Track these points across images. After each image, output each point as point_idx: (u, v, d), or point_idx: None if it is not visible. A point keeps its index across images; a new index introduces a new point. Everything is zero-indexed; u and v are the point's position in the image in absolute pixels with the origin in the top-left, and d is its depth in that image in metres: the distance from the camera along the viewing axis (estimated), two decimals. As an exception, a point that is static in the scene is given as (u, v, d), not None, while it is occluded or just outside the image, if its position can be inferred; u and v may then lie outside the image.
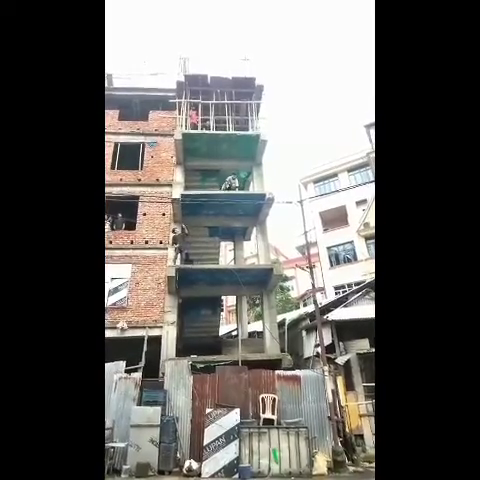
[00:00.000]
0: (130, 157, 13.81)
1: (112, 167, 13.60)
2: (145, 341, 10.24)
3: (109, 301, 11.45)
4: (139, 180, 13.52)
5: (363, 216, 22.16)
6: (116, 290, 11.68)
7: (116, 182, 13.07)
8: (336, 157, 25.73)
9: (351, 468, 8.22)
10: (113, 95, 14.59)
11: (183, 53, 17.81)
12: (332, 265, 23.15)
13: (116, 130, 14.26)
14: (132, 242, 12.47)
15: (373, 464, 8.41)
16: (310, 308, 13.59)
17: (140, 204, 13.08)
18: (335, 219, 23.77)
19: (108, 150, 13.54)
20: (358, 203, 23.18)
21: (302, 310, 16.94)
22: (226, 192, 12.71)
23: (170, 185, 13.35)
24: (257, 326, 16.31)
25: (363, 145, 22.91)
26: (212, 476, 7.54)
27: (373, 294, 11.90)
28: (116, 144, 14.12)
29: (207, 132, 13.27)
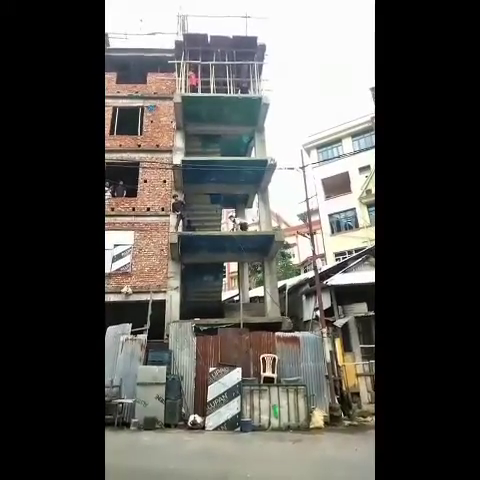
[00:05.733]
0: (129, 122, 13.52)
1: (111, 132, 13.36)
2: (150, 305, 10.52)
3: (113, 267, 11.66)
4: (139, 146, 13.32)
5: (365, 183, 21.93)
6: (120, 256, 11.85)
7: (116, 148, 12.88)
8: (340, 121, 25.07)
9: (347, 422, 8.70)
10: (110, 56, 14.01)
11: (181, 10, 17.00)
12: (333, 232, 23.21)
13: (114, 94, 13.86)
14: (134, 209, 12.49)
15: (367, 418, 8.91)
16: (310, 274, 13.79)
17: (141, 171, 12.97)
18: (337, 186, 23.51)
19: (106, 115, 13.22)
20: (361, 169, 22.82)
21: (302, 276, 17.20)
22: (228, 158, 12.53)
23: (170, 151, 13.16)
24: (258, 292, 16.65)
25: (368, 109, 22.22)
26: (215, 429, 8.01)
27: (372, 260, 12.05)
28: (114, 108, 13.79)
29: (207, 95, 12.88)
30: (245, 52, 13.84)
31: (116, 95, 13.91)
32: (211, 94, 12.90)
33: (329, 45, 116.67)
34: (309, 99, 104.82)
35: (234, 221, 13.16)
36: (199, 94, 12.96)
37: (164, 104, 13.91)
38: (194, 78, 13.33)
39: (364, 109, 26.51)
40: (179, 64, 13.35)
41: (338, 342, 10.17)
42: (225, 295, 19.57)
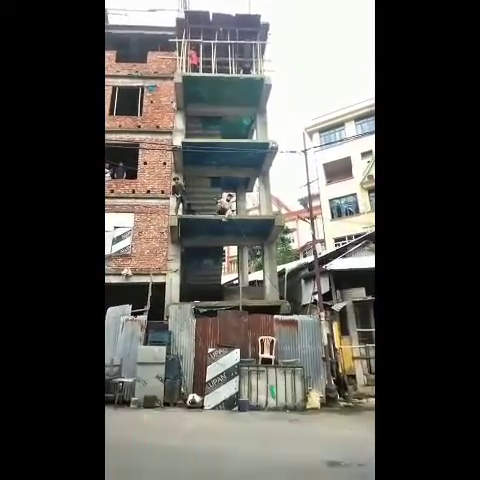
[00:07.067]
0: (129, 102, 13.30)
1: (110, 113, 13.15)
2: (150, 287, 10.60)
3: (113, 249, 11.68)
4: (139, 127, 13.13)
5: (367, 168, 21.74)
6: (120, 238, 11.86)
7: (115, 129, 12.70)
8: (344, 105, 24.68)
9: (342, 403, 8.90)
10: (109, 34, 13.66)
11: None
12: (333, 217, 23.17)
13: (114, 73, 13.56)
14: (133, 191, 12.42)
15: (363, 400, 9.12)
16: (310, 259, 13.85)
17: (140, 152, 12.84)
18: (339, 171, 23.34)
19: (106, 94, 12.99)
20: (364, 154, 22.58)
21: (302, 261, 17.27)
22: (229, 141, 12.39)
23: (170, 133, 13.00)
24: (257, 276, 16.75)
25: (372, 91, 21.83)
26: (213, 408, 8.18)
27: (372, 245, 12.07)
28: (114, 88, 13.53)
29: (209, 75, 12.63)
30: (248, 31, 13.53)
31: (115, 74, 13.62)
32: (212, 74, 12.65)
33: (333, 26, 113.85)
34: (312, 81, 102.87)
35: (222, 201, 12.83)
36: (200, 74, 12.70)
37: (164, 84, 13.64)
38: (195, 57, 13.05)
39: (368, 91, 26.08)
40: (180, 43, 13.04)
41: (336, 326, 10.30)
42: (224, 279, 19.68)
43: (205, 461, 4.74)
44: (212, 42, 13.07)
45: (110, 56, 13.73)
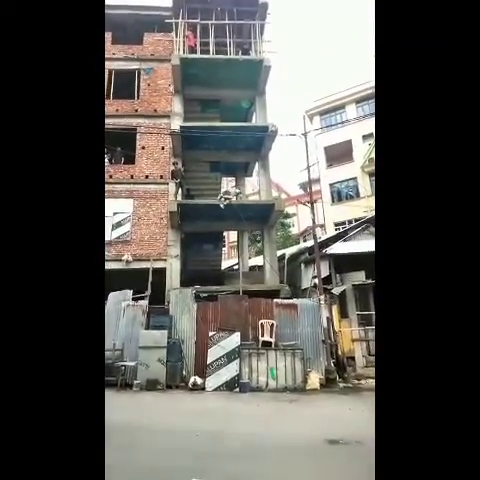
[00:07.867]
0: (125, 85, 13.08)
1: (107, 96, 12.93)
2: (150, 272, 10.64)
3: (113, 235, 11.68)
4: (136, 111, 12.95)
5: (368, 151, 21.50)
6: (119, 224, 11.85)
7: (112, 113, 12.52)
8: (345, 87, 24.26)
9: (341, 384, 9.04)
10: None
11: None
12: (334, 201, 23.06)
13: (110, 55, 13.28)
14: (132, 177, 12.34)
15: (362, 381, 9.25)
16: (310, 243, 13.85)
17: (138, 137, 12.70)
18: (340, 154, 23.09)
19: (102, 78, 12.76)
20: (364, 137, 22.30)
21: (302, 245, 17.28)
22: (227, 124, 12.22)
23: (168, 116, 12.84)
24: (258, 261, 16.80)
25: (373, 73, 21.41)
26: (215, 390, 8.33)
27: (372, 229, 12.06)
28: (110, 71, 13.28)
29: (206, 56, 12.38)
30: (246, 11, 13.20)
31: (111, 57, 13.34)
32: (210, 56, 12.40)
33: (334, 7, 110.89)
34: (313, 62, 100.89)
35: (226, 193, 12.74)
36: (198, 56, 12.45)
37: (161, 66, 13.39)
38: (192, 38, 12.76)
39: (369, 73, 25.61)
40: (177, 23, 12.73)
41: (335, 309, 10.38)
42: (225, 264, 19.76)
43: (206, 440, 4.85)
44: (210, 22, 12.77)
45: (106, 38, 13.41)
